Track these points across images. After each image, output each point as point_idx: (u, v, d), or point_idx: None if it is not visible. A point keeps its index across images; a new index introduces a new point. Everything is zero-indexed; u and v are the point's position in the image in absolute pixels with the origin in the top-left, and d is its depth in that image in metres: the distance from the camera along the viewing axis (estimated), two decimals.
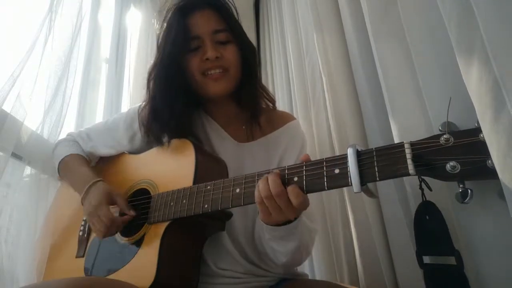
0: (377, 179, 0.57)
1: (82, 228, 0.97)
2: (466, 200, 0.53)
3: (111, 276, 0.80)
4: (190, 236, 0.83)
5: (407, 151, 0.56)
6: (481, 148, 0.50)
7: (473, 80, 0.48)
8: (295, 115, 1.14)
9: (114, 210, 0.86)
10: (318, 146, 1.29)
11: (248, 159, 0.95)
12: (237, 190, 0.72)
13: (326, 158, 0.64)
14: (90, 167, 1.02)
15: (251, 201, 0.69)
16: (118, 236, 0.88)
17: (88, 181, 0.91)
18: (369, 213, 0.99)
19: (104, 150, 1.05)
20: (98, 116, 1.59)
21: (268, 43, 2.47)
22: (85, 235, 0.95)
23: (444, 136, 0.54)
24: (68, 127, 1.33)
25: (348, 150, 0.60)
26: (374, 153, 0.58)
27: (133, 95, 1.75)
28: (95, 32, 1.58)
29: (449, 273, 0.59)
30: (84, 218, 0.98)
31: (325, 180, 0.62)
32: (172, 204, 0.80)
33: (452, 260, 0.58)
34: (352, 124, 1.08)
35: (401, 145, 0.57)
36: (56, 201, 1.11)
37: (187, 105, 0.94)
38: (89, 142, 1.06)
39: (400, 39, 0.79)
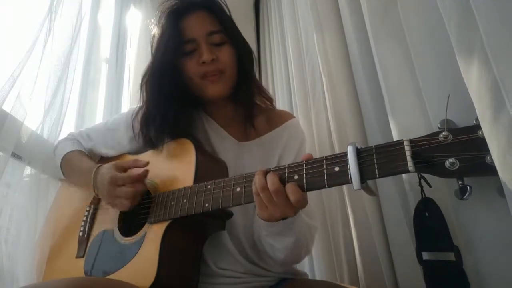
0: (377, 176, 0.58)
1: (82, 228, 0.97)
2: (465, 197, 0.54)
3: (111, 276, 0.80)
4: (191, 236, 0.83)
5: (407, 148, 0.56)
6: (480, 145, 0.51)
7: (473, 80, 0.48)
8: (295, 115, 1.14)
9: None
10: (318, 146, 1.29)
11: (248, 158, 0.95)
12: (238, 189, 0.72)
13: (326, 156, 0.65)
14: (92, 159, 1.01)
15: (252, 200, 0.70)
16: (118, 236, 0.88)
17: (92, 170, 0.90)
18: (369, 212, 1.00)
19: (104, 150, 1.05)
20: (98, 116, 1.59)
21: (268, 43, 2.47)
22: (85, 235, 0.95)
23: (443, 133, 0.55)
24: (68, 127, 1.33)
25: (348, 148, 0.61)
26: (374, 151, 0.59)
27: (133, 95, 1.75)
28: (95, 32, 1.58)
29: (448, 269, 0.59)
30: (84, 218, 0.98)
31: (325, 178, 0.63)
32: (172, 203, 0.80)
33: (451, 256, 0.59)
34: (352, 124, 1.09)
35: (400, 143, 0.57)
36: (56, 201, 1.11)
37: (183, 107, 0.94)
38: (89, 142, 1.06)
39: (400, 39, 0.80)
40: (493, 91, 0.44)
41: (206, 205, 0.75)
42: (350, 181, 0.60)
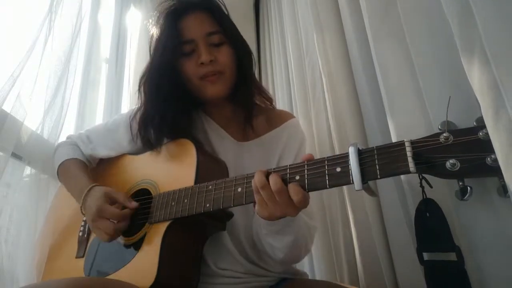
0: (378, 176, 0.58)
1: (82, 228, 0.97)
2: (465, 197, 0.55)
3: (111, 276, 0.80)
4: (191, 236, 0.83)
5: (408, 149, 0.56)
6: (480, 146, 0.52)
7: (475, 79, 0.48)
8: (295, 115, 1.14)
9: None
10: (318, 146, 1.30)
11: (248, 158, 0.95)
12: (239, 189, 0.72)
13: (327, 157, 0.65)
14: (88, 172, 1.00)
15: (253, 200, 0.70)
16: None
17: (84, 189, 0.89)
18: (369, 212, 1.00)
19: (104, 152, 1.05)
20: (98, 116, 1.59)
21: (268, 43, 2.47)
22: (85, 235, 0.95)
23: (444, 134, 0.55)
24: (68, 127, 1.33)
25: (350, 148, 0.61)
26: (375, 152, 0.59)
27: (133, 95, 1.75)
28: (95, 32, 1.58)
29: (450, 269, 0.60)
30: (84, 219, 0.98)
31: (327, 178, 0.63)
32: (173, 203, 0.80)
33: (452, 256, 0.59)
34: (352, 124, 1.09)
35: (401, 144, 0.58)
36: (56, 201, 1.11)
37: (183, 107, 0.94)
38: (89, 145, 1.06)
39: (400, 39, 0.80)
40: (493, 90, 0.45)
41: (207, 205, 0.75)
42: (351, 181, 0.60)
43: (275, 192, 0.65)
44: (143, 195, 0.89)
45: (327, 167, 0.64)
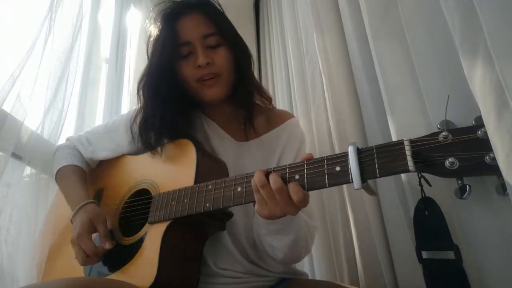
0: (378, 175, 0.58)
1: None
2: (464, 196, 0.55)
3: (111, 276, 0.80)
4: (191, 236, 0.83)
5: (407, 148, 0.57)
6: (479, 145, 0.52)
7: (477, 80, 0.48)
8: (295, 115, 1.14)
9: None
10: (318, 146, 1.29)
11: (248, 158, 0.95)
12: (239, 189, 0.72)
13: (327, 156, 0.65)
14: (84, 182, 1.00)
15: (252, 200, 0.70)
16: (118, 236, 0.88)
17: (78, 203, 0.90)
18: (369, 212, 1.00)
19: (104, 153, 1.05)
20: (98, 116, 1.59)
21: (268, 43, 2.47)
22: None
23: (443, 133, 0.55)
24: (68, 127, 1.33)
25: (349, 147, 0.61)
26: (374, 151, 0.60)
27: (133, 95, 1.75)
28: (95, 32, 1.59)
29: (448, 267, 0.60)
30: None
31: (326, 177, 0.63)
32: (173, 203, 0.80)
33: (451, 255, 0.59)
34: (352, 124, 1.08)
35: (400, 142, 0.58)
36: (56, 201, 1.11)
37: (182, 108, 0.94)
38: (89, 147, 1.06)
39: (400, 39, 0.80)
40: (496, 91, 0.45)
41: (207, 205, 0.75)
42: (351, 180, 0.60)
43: (275, 191, 0.65)
44: (143, 195, 0.89)
45: (327, 166, 0.64)
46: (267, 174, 0.68)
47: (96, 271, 0.87)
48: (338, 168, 0.62)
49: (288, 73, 1.82)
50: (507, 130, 0.44)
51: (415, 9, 0.75)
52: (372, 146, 0.60)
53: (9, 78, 0.94)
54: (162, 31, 0.91)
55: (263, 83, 2.45)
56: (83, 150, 1.06)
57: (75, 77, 1.25)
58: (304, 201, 0.65)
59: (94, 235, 0.85)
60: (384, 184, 0.92)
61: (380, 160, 0.58)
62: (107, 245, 0.84)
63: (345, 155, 0.62)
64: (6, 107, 0.95)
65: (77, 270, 0.89)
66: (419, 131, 0.73)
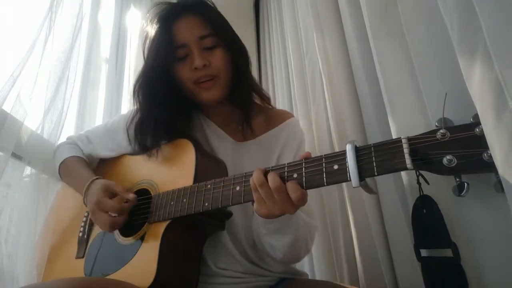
0: (375, 173, 0.58)
1: (82, 229, 0.97)
2: (462, 193, 0.55)
3: (111, 276, 0.80)
4: (191, 235, 0.83)
5: (405, 146, 0.57)
6: (477, 142, 0.52)
7: (475, 80, 0.48)
8: (295, 115, 1.14)
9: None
10: (318, 146, 1.29)
11: (247, 157, 0.95)
12: (237, 188, 0.73)
13: (325, 155, 0.65)
14: (89, 168, 1.01)
15: (251, 199, 0.70)
16: (118, 236, 0.88)
17: (86, 183, 0.91)
18: (369, 212, 1.00)
19: (104, 152, 1.05)
20: (98, 116, 1.59)
21: (268, 43, 2.47)
22: (85, 236, 0.95)
23: (441, 131, 0.55)
24: (68, 127, 1.33)
25: (347, 146, 0.61)
26: (372, 149, 0.60)
27: (133, 95, 1.75)
28: (95, 32, 1.59)
29: (446, 265, 0.60)
30: (84, 219, 0.98)
31: (324, 176, 0.63)
32: (172, 203, 0.80)
33: (449, 253, 0.59)
34: (352, 124, 1.08)
35: (398, 140, 0.58)
36: (56, 201, 1.11)
37: (178, 110, 0.94)
38: (88, 145, 1.06)
39: (400, 39, 0.80)
40: (495, 91, 0.45)
41: (206, 204, 0.75)
42: (349, 178, 0.60)
43: (273, 190, 0.65)
44: (142, 195, 0.89)
45: (325, 165, 0.64)
46: (265, 173, 0.68)
47: (96, 271, 0.87)
48: (336, 167, 0.63)
49: (288, 73, 1.82)
50: (506, 129, 0.44)
51: (415, 9, 0.75)
52: (370, 144, 0.60)
53: (9, 78, 0.94)
54: (157, 34, 0.91)
55: (263, 83, 2.45)
56: (83, 147, 1.07)
57: (75, 77, 1.25)
58: (303, 200, 0.65)
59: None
60: (384, 184, 0.92)
61: (378, 158, 0.58)
62: (131, 196, 0.85)
63: (343, 154, 0.62)
64: (6, 107, 0.96)
65: (77, 270, 0.89)
66: (419, 131, 0.72)
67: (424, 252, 0.64)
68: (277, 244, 0.80)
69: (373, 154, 0.59)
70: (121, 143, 1.02)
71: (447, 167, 0.53)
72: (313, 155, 0.68)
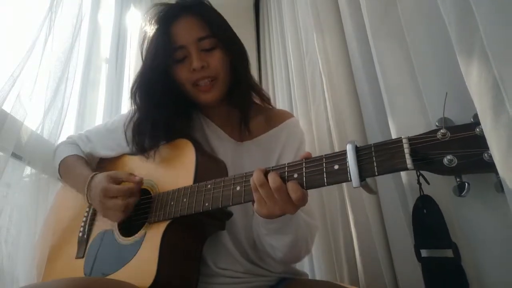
0: (376, 173, 0.58)
1: (82, 229, 0.97)
2: (463, 194, 0.55)
3: (111, 276, 0.80)
4: (191, 235, 0.83)
5: (405, 145, 0.57)
6: (477, 142, 0.52)
7: (474, 79, 0.48)
8: (295, 115, 1.14)
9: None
10: (318, 146, 1.29)
11: (247, 158, 0.95)
12: (238, 188, 0.73)
13: (325, 155, 0.65)
14: (89, 166, 1.01)
15: (251, 199, 0.70)
16: (118, 236, 0.88)
17: (87, 179, 0.90)
18: (369, 212, 0.99)
19: (104, 151, 1.05)
20: (98, 116, 1.59)
21: (268, 43, 2.47)
22: (85, 236, 0.95)
23: (441, 131, 0.55)
24: (68, 127, 1.33)
25: (347, 146, 0.61)
26: (373, 149, 0.60)
27: None
28: (95, 32, 1.59)
29: (446, 265, 0.60)
30: (84, 219, 0.98)
31: (325, 176, 0.63)
32: (172, 203, 0.80)
33: (449, 253, 0.59)
34: (352, 124, 1.08)
35: (399, 140, 0.58)
36: (56, 201, 1.11)
37: (176, 110, 0.93)
38: (88, 144, 1.06)
39: (400, 39, 0.80)
40: (493, 91, 0.45)
41: (206, 204, 0.75)
42: (349, 179, 0.60)
43: (274, 189, 0.65)
44: (142, 195, 0.89)
45: (325, 165, 0.64)
46: (266, 173, 0.68)
47: (96, 271, 0.87)
48: (336, 167, 0.63)
49: (288, 73, 1.82)
50: (504, 129, 0.44)
51: (415, 9, 0.75)
52: (370, 144, 0.60)
53: (9, 78, 0.94)
54: (155, 35, 0.91)
55: (263, 83, 2.45)
56: (83, 145, 1.06)
57: (75, 77, 1.25)
58: (303, 200, 0.65)
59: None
60: (384, 184, 0.92)
61: (378, 158, 0.58)
62: (137, 179, 0.85)
63: (343, 154, 0.62)
64: (6, 107, 0.96)
65: (77, 270, 0.89)
66: (419, 131, 0.72)
67: (424, 253, 0.63)
68: (277, 245, 0.80)
69: (373, 154, 0.59)
70: (120, 143, 1.02)
71: (448, 167, 0.53)
72: (313, 155, 0.68)
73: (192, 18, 0.92)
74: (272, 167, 0.69)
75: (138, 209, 0.88)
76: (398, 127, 0.79)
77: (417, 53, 0.74)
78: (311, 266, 1.39)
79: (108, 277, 0.81)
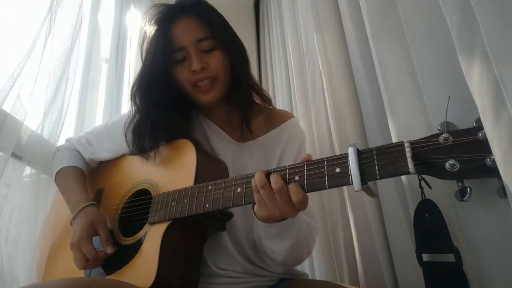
0: (378, 177, 0.58)
1: None
2: (465, 198, 0.54)
3: (111, 277, 0.80)
4: (191, 236, 0.83)
5: (407, 149, 0.56)
6: (480, 147, 0.51)
7: (475, 80, 0.48)
8: (295, 115, 1.14)
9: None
10: (318, 146, 1.29)
11: (248, 158, 0.95)
12: (238, 190, 0.72)
13: (327, 158, 0.65)
14: (84, 184, 1.00)
15: (252, 200, 0.70)
16: (118, 236, 0.88)
17: (78, 206, 0.89)
18: (369, 213, 0.99)
19: (105, 154, 1.05)
20: (98, 117, 1.59)
21: (268, 43, 2.47)
22: None
23: (443, 135, 0.55)
24: (68, 127, 1.33)
25: (349, 149, 0.61)
26: (375, 152, 0.59)
27: None
28: (95, 32, 1.59)
29: (448, 270, 0.60)
30: None
31: (326, 179, 0.63)
32: (173, 204, 0.80)
33: (451, 258, 0.59)
34: (352, 124, 1.08)
35: (401, 144, 0.58)
36: (57, 201, 1.11)
37: (176, 111, 0.93)
38: (89, 148, 1.05)
39: (400, 39, 0.79)
40: (494, 91, 0.45)
41: (207, 205, 0.75)
42: (351, 182, 0.60)
43: (275, 191, 0.65)
44: (143, 196, 0.89)
45: (327, 168, 0.64)
46: (267, 174, 0.68)
47: (96, 271, 0.87)
48: (338, 170, 0.62)
49: (288, 73, 1.82)
50: (504, 129, 0.44)
51: (415, 9, 0.75)
52: (372, 148, 0.60)
53: (9, 78, 0.94)
54: (155, 36, 0.91)
55: (263, 83, 2.45)
56: (83, 151, 1.06)
57: (75, 77, 1.25)
58: (304, 203, 0.65)
59: (94, 238, 0.85)
60: (384, 184, 0.92)
61: (380, 161, 0.58)
62: (109, 250, 0.83)
63: (345, 157, 0.62)
64: (6, 107, 0.95)
65: (77, 270, 0.89)
66: (419, 131, 0.73)
67: (426, 257, 0.63)
68: (277, 249, 0.80)
69: (375, 158, 0.59)
70: (121, 143, 1.01)
71: (450, 171, 0.53)
72: (313, 156, 0.68)
73: (192, 19, 0.91)
74: (274, 169, 0.69)
75: (139, 209, 0.88)
76: (398, 128, 0.79)
77: (417, 53, 0.74)
78: (311, 266, 1.39)
79: (109, 277, 0.81)
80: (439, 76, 0.68)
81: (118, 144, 1.01)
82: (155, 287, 0.73)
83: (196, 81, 0.90)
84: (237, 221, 0.89)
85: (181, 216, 0.78)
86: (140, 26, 1.96)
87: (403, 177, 0.81)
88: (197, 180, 0.81)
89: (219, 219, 0.86)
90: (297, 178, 0.66)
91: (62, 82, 1.17)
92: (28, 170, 1.08)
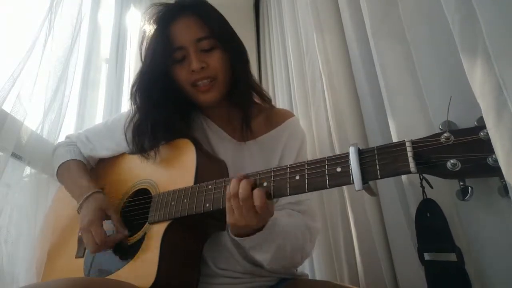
0: (379, 176, 0.58)
1: None
2: (466, 198, 0.54)
3: (111, 276, 0.80)
4: (191, 236, 0.83)
5: (408, 149, 0.56)
6: (481, 146, 0.51)
7: (477, 80, 0.48)
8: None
9: (108, 226, 0.86)
10: (318, 146, 1.29)
11: (248, 158, 0.95)
12: None
13: (328, 157, 0.65)
14: (88, 175, 1.00)
15: None
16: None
17: (85, 193, 0.90)
18: (369, 213, 0.99)
19: (104, 152, 1.05)
20: (98, 116, 1.59)
21: (268, 43, 2.47)
22: None
23: (445, 134, 0.55)
24: (68, 127, 1.33)
25: (350, 148, 0.61)
26: (376, 152, 0.59)
27: None
28: (95, 32, 1.59)
29: (450, 269, 0.59)
30: None
31: (327, 178, 0.63)
32: (173, 203, 0.80)
33: (453, 257, 0.59)
34: (352, 124, 1.08)
35: (402, 144, 0.58)
36: (56, 201, 1.11)
37: (175, 110, 0.93)
38: (88, 145, 1.05)
39: (400, 39, 0.79)
40: (495, 91, 0.45)
41: (207, 205, 0.75)
42: (351, 181, 0.60)
43: (241, 199, 0.66)
44: (142, 195, 0.89)
45: (327, 167, 0.64)
46: (241, 179, 0.69)
47: (96, 271, 0.87)
48: (339, 169, 0.62)
49: (288, 73, 1.82)
50: (506, 129, 0.44)
51: (416, 9, 0.75)
52: (373, 147, 0.60)
53: (9, 78, 0.94)
54: (154, 36, 0.91)
55: (263, 83, 2.45)
56: (83, 147, 1.06)
57: (75, 77, 1.26)
58: (265, 210, 0.66)
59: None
60: (384, 184, 0.92)
61: (381, 161, 0.58)
62: (125, 232, 0.85)
63: (346, 156, 0.62)
64: (6, 107, 0.95)
65: (77, 270, 0.89)
66: (420, 131, 0.73)
67: (427, 256, 0.63)
68: (260, 258, 0.80)
69: (376, 157, 0.59)
70: (121, 142, 1.01)
71: (451, 171, 0.53)
72: (313, 155, 0.68)
73: (191, 18, 0.91)
74: (273, 168, 0.70)
75: (138, 208, 0.88)
76: (398, 127, 0.79)
77: (417, 53, 0.74)
78: (311, 266, 1.39)
79: (108, 277, 0.81)
80: (439, 76, 0.68)
81: (117, 143, 1.01)
82: (155, 287, 0.73)
83: (195, 81, 0.90)
84: None
85: (181, 216, 0.78)
86: (140, 26, 1.96)
87: (403, 177, 0.81)
88: (197, 179, 0.81)
89: (219, 218, 0.85)
90: (297, 177, 0.66)
91: (62, 82, 1.17)
92: (28, 170, 1.08)
